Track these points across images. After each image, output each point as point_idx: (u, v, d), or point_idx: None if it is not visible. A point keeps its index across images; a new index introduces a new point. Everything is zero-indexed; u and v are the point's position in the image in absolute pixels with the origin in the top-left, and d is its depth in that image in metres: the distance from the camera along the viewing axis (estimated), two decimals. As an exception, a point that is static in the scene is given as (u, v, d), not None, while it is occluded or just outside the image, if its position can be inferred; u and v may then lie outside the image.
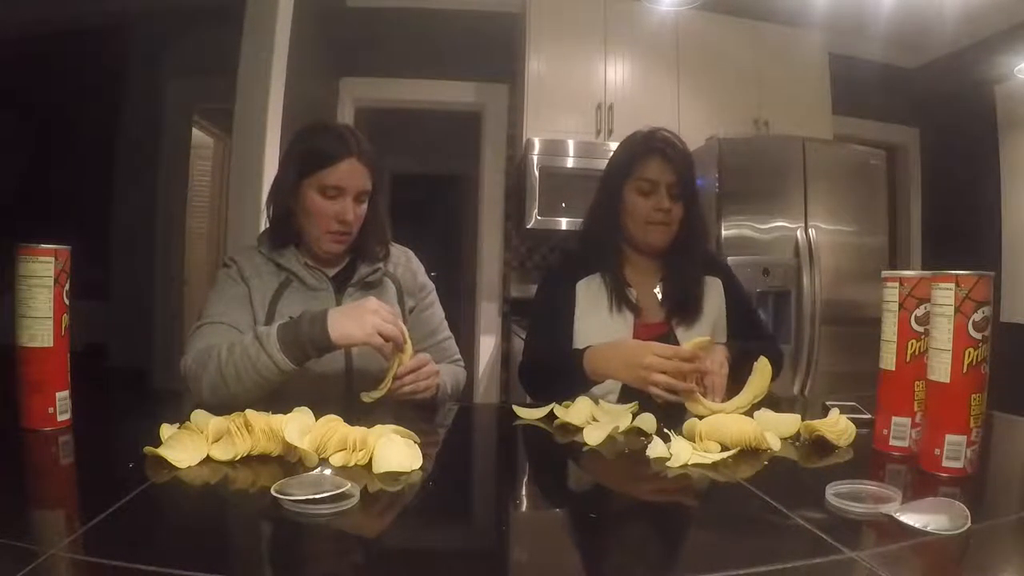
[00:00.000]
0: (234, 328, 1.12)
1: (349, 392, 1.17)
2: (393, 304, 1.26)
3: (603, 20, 2.99)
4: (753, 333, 1.26)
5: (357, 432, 0.75)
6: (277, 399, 1.00)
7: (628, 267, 1.38)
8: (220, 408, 0.84)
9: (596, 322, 1.31)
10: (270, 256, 1.21)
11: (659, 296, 1.36)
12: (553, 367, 1.27)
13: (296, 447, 0.72)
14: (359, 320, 1.00)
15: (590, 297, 1.34)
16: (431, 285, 1.37)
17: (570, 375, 1.21)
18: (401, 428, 0.79)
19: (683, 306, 1.34)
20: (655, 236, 1.33)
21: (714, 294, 1.38)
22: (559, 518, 0.71)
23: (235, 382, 1.00)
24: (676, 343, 1.25)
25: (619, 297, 1.33)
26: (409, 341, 1.08)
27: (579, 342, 1.29)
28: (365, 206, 1.22)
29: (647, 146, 1.32)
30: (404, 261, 1.34)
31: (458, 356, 1.38)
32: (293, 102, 2.29)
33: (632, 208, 1.33)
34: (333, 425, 0.77)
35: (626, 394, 1.21)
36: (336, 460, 0.72)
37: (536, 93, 2.92)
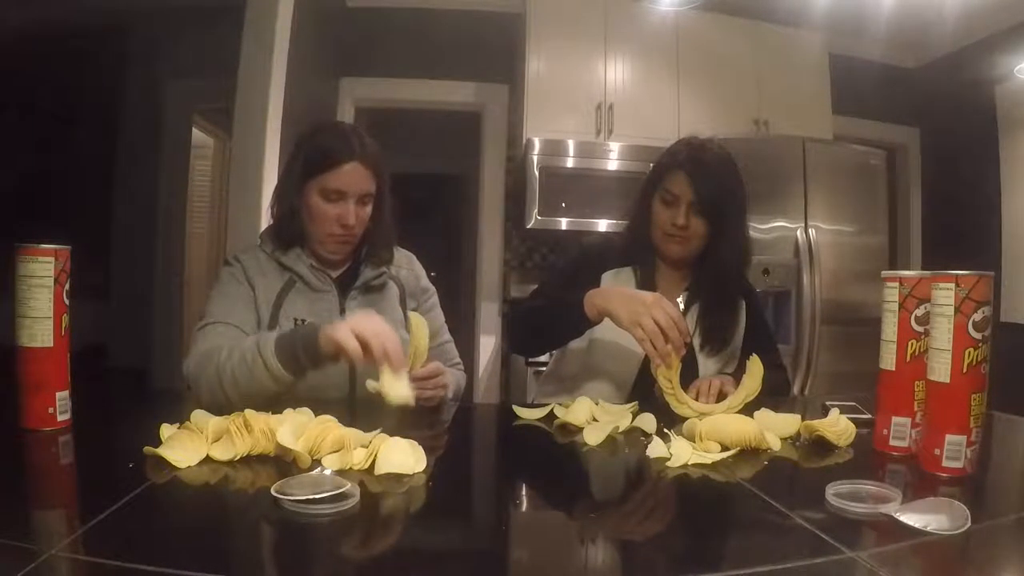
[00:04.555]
0: (239, 328, 1.11)
1: (352, 394, 1.16)
2: (395, 307, 1.26)
3: (603, 20, 2.98)
4: (765, 359, 1.23)
5: (352, 433, 0.75)
6: (280, 399, 1.00)
7: (658, 272, 1.37)
8: (220, 411, 0.84)
9: None
10: (273, 256, 1.20)
11: (681, 306, 1.34)
12: (549, 309, 1.27)
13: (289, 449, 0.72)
14: (345, 323, 0.93)
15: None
16: (433, 289, 1.36)
17: (565, 315, 1.20)
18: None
19: (710, 333, 1.32)
20: (671, 248, 1.31)
21: (739, 315, 1.37)
22: (559, 518, 0.71)
23: (232, 387, 0.98)
24: (694, 358, 1.27)
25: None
26: (425, 350, 1.12)
27: (593, 333, 1.27)
28: (369, 208, 1.20)
29: (674, 159, 1.29)
30: (407, 264, 1.33)
31: (458, 360, 1.37)
32: (293, 102, 2.28)
33: (655, 216, 1.31)
34: (328, 426, 0.76)
35: (633, 394, 1.21)
36: (333, 462, 0.71)
37: (536, 93, 2.92)
